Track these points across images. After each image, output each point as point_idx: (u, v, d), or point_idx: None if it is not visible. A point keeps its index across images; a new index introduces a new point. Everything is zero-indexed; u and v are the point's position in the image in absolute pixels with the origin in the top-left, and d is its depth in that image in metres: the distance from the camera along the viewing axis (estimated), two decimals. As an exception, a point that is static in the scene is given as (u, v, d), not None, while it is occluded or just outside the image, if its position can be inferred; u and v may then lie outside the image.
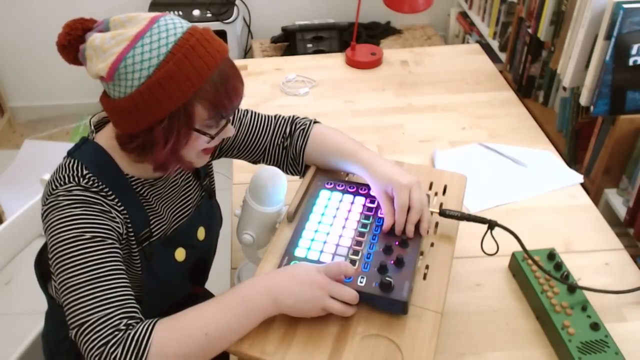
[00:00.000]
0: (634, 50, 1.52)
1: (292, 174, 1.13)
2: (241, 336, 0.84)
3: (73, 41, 0.88)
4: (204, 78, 0.83)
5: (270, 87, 1.78)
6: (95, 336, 0.78)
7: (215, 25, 2.59)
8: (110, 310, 0.80)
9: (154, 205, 0.99)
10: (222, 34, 2.61)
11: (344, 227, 0.98)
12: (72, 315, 0.80)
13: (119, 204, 0.91)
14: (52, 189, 0.88)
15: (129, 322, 0.80)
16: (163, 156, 0.87)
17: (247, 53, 2.95)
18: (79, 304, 0.80)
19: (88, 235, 0.84)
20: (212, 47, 0.84)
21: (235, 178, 1.43)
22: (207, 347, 0.81)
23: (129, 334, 0.78)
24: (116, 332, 0.78)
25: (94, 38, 0.84)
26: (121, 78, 0.82)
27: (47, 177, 1.20)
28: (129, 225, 0.93)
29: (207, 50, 0.83)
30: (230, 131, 0.94)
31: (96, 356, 0.77)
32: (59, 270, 0.83)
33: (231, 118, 0.92)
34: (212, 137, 0.90)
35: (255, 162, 1.15)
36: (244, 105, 1.15)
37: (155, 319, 0.81)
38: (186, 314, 0.82)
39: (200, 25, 0.88)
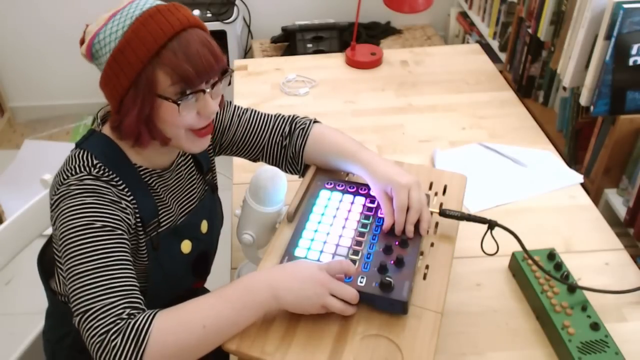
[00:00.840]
0: (634, 50, 1.52)
1: (291, 173, 1.13)
2: (240, 330, 0.84)
3: None
4: (158, 43, 0.84)
5: (270, 87, 1.78)
6: (97, 324, 0.79)
7: (215, 25, 2.60)
8: (115, 299, 0.80)
9: (162, 196, 1.00)
10: (222, 34, 2.61)
11: (344, 227, 0.98)
12: (77, 301, 0.81)
13: (128, 193, 0.92)
14: (64, 178, 0.89)
15: (132, 311, 0.80)
16: (131, 125, 0.88)
17: (247, 53, 2.95)
18: (85, 291, 0.81)
19: (98, 224, 0.85)
20: (173, 16, 0.86)
21: (235, 178, 1.43)
22: (205, 339, 0.81)
23: (130, 323, 0.78)
24: (118, 321, 0.79)
25: (88, 26, 0.90)
26: (99, 54, 0.87)
27: (47, 177, 1.20)
28: (138, 214, 0.94)
29: (166, 19, 0.85)
30: (210, 106, 0.91)
31: (97, 343, 0.78)
32: (67, 257, 0.83)
33: (208, 90, 0.90)
34: (176, 103, 0.87)
35: (254, 160, 1.15)
36: (244, 105, 1.16)
37: (157, 310, 0.81)
38: (186, 306, 0.83)
39: (189, 11, 0.90)
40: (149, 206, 0.96)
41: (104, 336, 0.78)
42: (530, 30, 2.02)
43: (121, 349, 0.77)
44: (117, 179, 0.91)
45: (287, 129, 1.11)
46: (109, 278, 0.82)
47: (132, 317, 0.80)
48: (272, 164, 1.13)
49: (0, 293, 2.17)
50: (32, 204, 1.23)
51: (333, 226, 0.98)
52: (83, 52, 0.89)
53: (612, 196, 1.66)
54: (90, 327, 0.79)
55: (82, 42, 0.92)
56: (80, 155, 0.91)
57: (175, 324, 0.80)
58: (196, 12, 2.61)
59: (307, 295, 0.84)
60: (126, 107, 0.87)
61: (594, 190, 1.69)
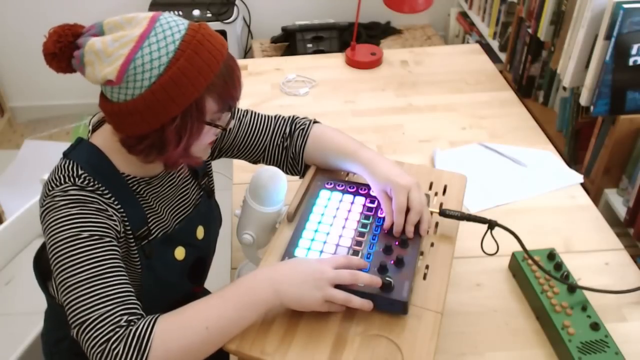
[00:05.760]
0: (634, 50, 1.52)
1: (292, 174, 1.13)
2: (243, 329, 0.83)
3: (65, 48, 0.85)
4: (214, 72, 0.84)
5: (270, 87, 1.78)
6: (96, 334, 0.78)
7: (215, 25, 2.59)
8: (111, 307, 0.80)
9: (152, 204, 0.99)
10: (222, 34, 2.60)
11: (344, 227, 0.98)
12: (73, 314, 0.81)
13: (115, 202, 0.91)
14: (49, 190, 0.88)
15: (130, 318, 0.80)
16: (176, 154, 0.88)
17: (247, 53, 2.95)
18: (79, 303, 0.80)
19: (85, 234, 0.84)
20: (217, 41, 0.86)
21: (235, 178, 1.43)
22: (208, 341, 0.80)
23: (131, 330, 0.78)
24: (117, 329, 0.78)
25: (93, 42, 0.82)
26: (130, 80, 0.82)
27: (47, 177, 1.20)
28: (127, 223, 0.93)
29: (213, 45, 0.85)
30: (230, 123, 0.96)
31: (98, 354, 0.77)
32: (58, 270, 0.83)
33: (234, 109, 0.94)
34: (224, 129, 0.92)
35: (255, 162, 1.15)
36: (243, 105, 1.16)
37: (157, 315, 0.81)
38: (187, 309, 0.82)
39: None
40: (137, 215, 0.95)
41: (104, 345, 0.77)
42: (530, 30, 2.02)
43: (124, 356, 0.76)
44: (103, 188, 0.89)
45: (287, 129, 1.11)
46: (102, 286, 0.81)
47: (131, 324, 0.79)
48: (273, 166, 1.13)
49: (0, 293, 2.17)
50: (32, 204, 1.23)
51: (333, 226, 0.98)
52: (111, 77, 0.81)
53: (612, 196, 1.66)
54: (89, 337, 0.78)
55: (51, 54, 0.84)
56: (66, 166, 0.90)
57: (177, 328, 0.80)
58: (196, 12, 2.61)
59: (309, 288, 0.84)
60: (168, 136, 0.85)
61: (594, 190, 1.69)
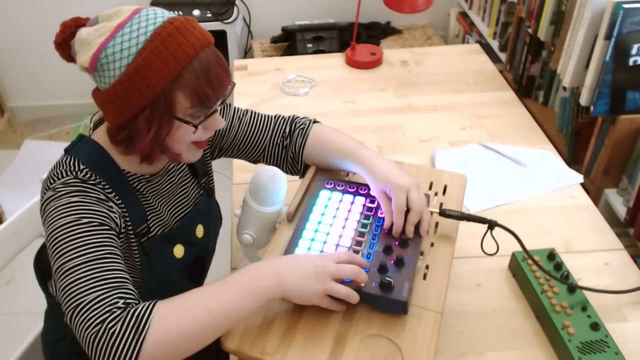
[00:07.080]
0: (634, 50, 1.52)
1: (292, 174, 1.13)
2: (244, 317, 0.83)
3: (67, 38, 0.89)
4: (181, 65, 0.83)
5: (270, 87, 1.78)
6: (91, 314, 0.76)
7: (215, 25, 2.59)
8: (107, 290, 0.78)
9: (151, 202, 0.99)
10: (222, 34, 2.61)
11: (344, 227, 0.98)
12: (67, 297, 0.78)
13: (116, 198, 0.91)
14: (50, 183, 0.89)
15: (128, 301, 0.79)
16: (146, 146, 0.88)
17: (247, 53, 2.95)
18: (75, 286, 0.78)
19: (85, 220, 0.84)
20: (192, 35, 0.85)
21: (235, 178, 1.43)
22: (209, 325, 0.79)
23: (129, 311, 0.76)
24: (114, 310, 0.76)
25: (81, 32, 0.86)
26: (104, 68, 0.83)
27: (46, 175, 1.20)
28: (127, 219, 0.93)
29: (185, 38, 0.84)
30: (219, 123, 0.93)
31: (92, 334, 0.75)
32: (55, 256, 0.82)
33: (219, 109, 0.92)
34: (195, 127, 0.89)
35: (255, 161, 1.15)
36: (243, 105, 1.16)
37: (156, 300, 0.79)
38: (189, 294, 0.81)
39: (200, 25, 0.88)
40: (137, 212, 0.95)
41: (99, 326, 0.75)
42: (530, 30, 2.02)
43: (120, 335, 0.74)
44: (104, 183, 0.90)
45: (287, 129, 1.11)
46: (99, 271, 0.80)
47: (130, 306, 0.78)
48: (272, 165, 1.13)
49: (0, 293, 2.17)
50: (32, 204, 1.23)
51: (333, 226, 0.98)
52: (85, 64, 0.84)
53: (612, 196, 1.66)
54: (83, 319, 0.76)
55: (57, 43, 0.89)
56: (67, 161, 0.90)
57: (177, 312, 0.78)
58: (196, 12, 2.61)
59: (310, 281, 0.84)
60: (139, 127, 0.86)
61: (594, 190, 1.69)
